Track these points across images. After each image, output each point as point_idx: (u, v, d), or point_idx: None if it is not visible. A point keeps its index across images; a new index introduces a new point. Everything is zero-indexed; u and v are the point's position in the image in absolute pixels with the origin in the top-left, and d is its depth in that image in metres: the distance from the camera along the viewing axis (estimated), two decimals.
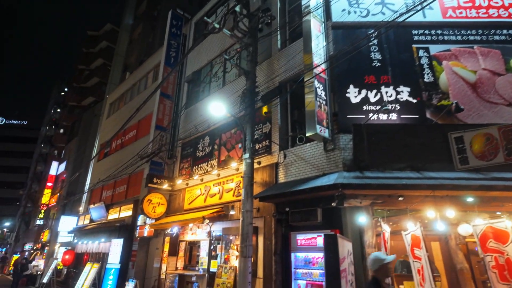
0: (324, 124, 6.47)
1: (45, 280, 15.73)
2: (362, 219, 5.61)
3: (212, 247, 9.34)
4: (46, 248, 23.25)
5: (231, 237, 8.55)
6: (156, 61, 16.69)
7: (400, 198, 5.63)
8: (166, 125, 12.96)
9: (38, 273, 17.40)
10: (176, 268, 10.27)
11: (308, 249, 6.47)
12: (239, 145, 8.79)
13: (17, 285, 12.60)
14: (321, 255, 6.24)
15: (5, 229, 47.35)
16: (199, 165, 10.80)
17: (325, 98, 6.77)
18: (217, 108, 7.25)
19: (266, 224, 7.48)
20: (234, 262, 8.03)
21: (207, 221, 8.28)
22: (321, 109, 6.53)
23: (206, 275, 9.00)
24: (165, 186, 11.16)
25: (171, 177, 11.73)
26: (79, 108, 34.10)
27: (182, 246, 10.53)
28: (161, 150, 11.85)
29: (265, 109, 9.18)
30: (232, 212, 7.85)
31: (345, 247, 4.98)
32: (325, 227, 6.33)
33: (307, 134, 6.34)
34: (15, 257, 18.39)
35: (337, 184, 5.42)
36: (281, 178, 7.56)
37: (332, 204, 5.84)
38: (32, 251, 26.64)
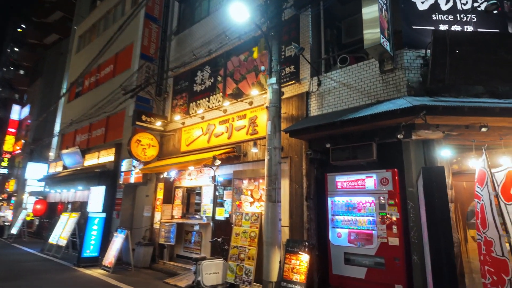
0: (385, 35, 4.93)
1: (14, 231, 14.13)
2: (445, 152, 4.38)
3: (217, 193, 8.05)
4: (13, 198, 21.26)
5: (244, 182, 7.24)
6: None
7: (484, 129, 4.41)
8: (153, 54, 10.83)
9: (5, 223, 15.69)
10: (173, 217, 9.00)
11: (353, 193, 5.29)
12: (263, 69, 7.09)
13: None
14: (370, 199, 5.10)
15: None
16: (198, 101, 9.08)
17: (385, 2, 5.15)
18: (237, 11, 5.43)
19: (293, 165, 6.17)
20: (248, 208, 6.82)
21: (218, 162, 6.84)
22: (382, 14, 4.94)
23: (211, 223, 7.81)
24: (158, 124, 9.42)
25: (162, 116, 9.96)
26: (41, 47, 30.02)
27: (179, 192, 9.18)
28: (149, 83, 9.89)
29: (255, 53, 7.51)
30: (254, 150, 6.44)
31: (421, 182, 3.72)
32: (378, 166, 5.12)
33: (366, 45, 4.80)
34: None
35: (418, 107, 4.05)
36: (314, 111, 6.11)
37: (398, 136, 4.55)
38: None
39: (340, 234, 5.32)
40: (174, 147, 9.39)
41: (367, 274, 4.85)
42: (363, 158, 5.03)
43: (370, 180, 5.14)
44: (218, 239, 6.05)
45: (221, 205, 7.93)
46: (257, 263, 5.39)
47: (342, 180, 5.47)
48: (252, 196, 6.95)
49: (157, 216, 9.24)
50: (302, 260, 4.91)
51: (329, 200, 5.54)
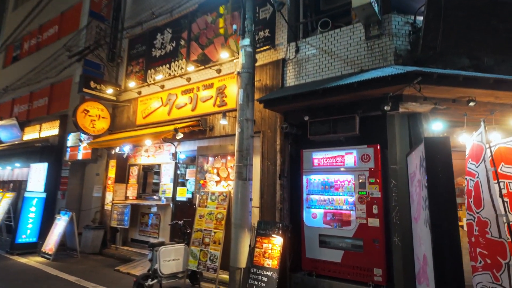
0: None
1: None
2: (437, 126, 4.02)
3: (179, 172, 7.27)
4: None
5: (209, 159, 6.53)
6: None
7: (471, 104, 4.13)
8: (104, 10, 9.42)
9: None
10: (127, 198, 8.08)
11: (330, 171, 4.85)
12: (235, 28, 6.25)
13: None
14: (349, 177, 4.70)
15: None
16: (157, 68, 8.05)
17: None
18: None
19: (265, 140, 5.58)
20: (214, 188, 6.17)
21: (180, 135, 6.02)
22: None
23: (171, 205, 7.06)
24: (110, 91, 8.24)
25: (115, 84, 8.77)
26: None
27: (134, 171, 8.22)
28: (99, 44, 8.57)
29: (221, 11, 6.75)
30: (223, 122, 5.68)
31: (417, 156, 3.25)
32: (358, 142, 4.70)
33: (354, 4, 4.22)
34: None
35: (411, 73, 3.61)
36: (290, 80, 5.51)
37: (385, 108, 4.13)
38: None
39: (315, 215, 4.90)
40: (129, 119, 8.33)
41: (343, 257, 4.49)
42: (344, 132, 4.57)
43: (349, 157, 4.72)
44: (179, 222, 5.35)
45: (183, 184, 7.19)
46: (224, 248, 4.82)
47: (319, 156, 5.00)
48: (218, 175, 6.29)
49: (109, 197, 8.25)
50: (275, 244, 4.42)
51: (304, 178, 5.06)
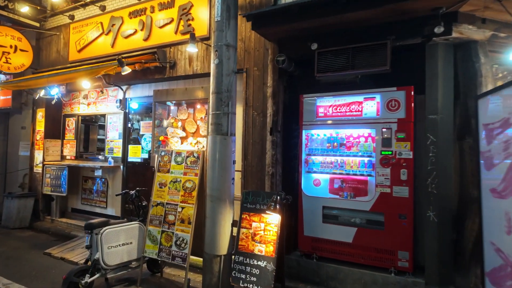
0: None
1: None
2: None
3: (130, 125, 5.62)
4: None
5: (171, 108, 4.93)
6: None
7: None
8: None
9: None
10: (63, 157, 6.31)
11: (341, 123, 3.59)
12: None
13: None
14: (366, 132, 3.49)
15: None
16: None
17: None
18: None
19: (250, 82, 4.09)
20: (178, 146, 4.68)
21: (127, 70, 4.26)
22: None
23: (122, 167, 5.50)
24: (25, 9, 5.96)
25: (37, 2, 6.44)
26: None
27: (71, 123, 6.36)
28: None
29: None
30: (192, 49, 3.97)
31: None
32: (381, 83, 3.43)
33: None
34: None
35: None
36: None
37: (435, 30, 2.86)
38: None
39: (318, 182, 3.70)
40: (59, 54, 6.24)
41: (356, 236, 3.42)
42: (369, 67, 3.21)
43: (370, 104, 3.46)
44: (131, 192, 3.89)
45: (137, 141, 5.60)
46: (196, 228, 3.50)
47: (327, 104, 3.68)
48: (184, 129, 4.77)
49: (39, 157, 6.40)
50: (270, 223, 3.18)
51: (304, 133, 3.77)
